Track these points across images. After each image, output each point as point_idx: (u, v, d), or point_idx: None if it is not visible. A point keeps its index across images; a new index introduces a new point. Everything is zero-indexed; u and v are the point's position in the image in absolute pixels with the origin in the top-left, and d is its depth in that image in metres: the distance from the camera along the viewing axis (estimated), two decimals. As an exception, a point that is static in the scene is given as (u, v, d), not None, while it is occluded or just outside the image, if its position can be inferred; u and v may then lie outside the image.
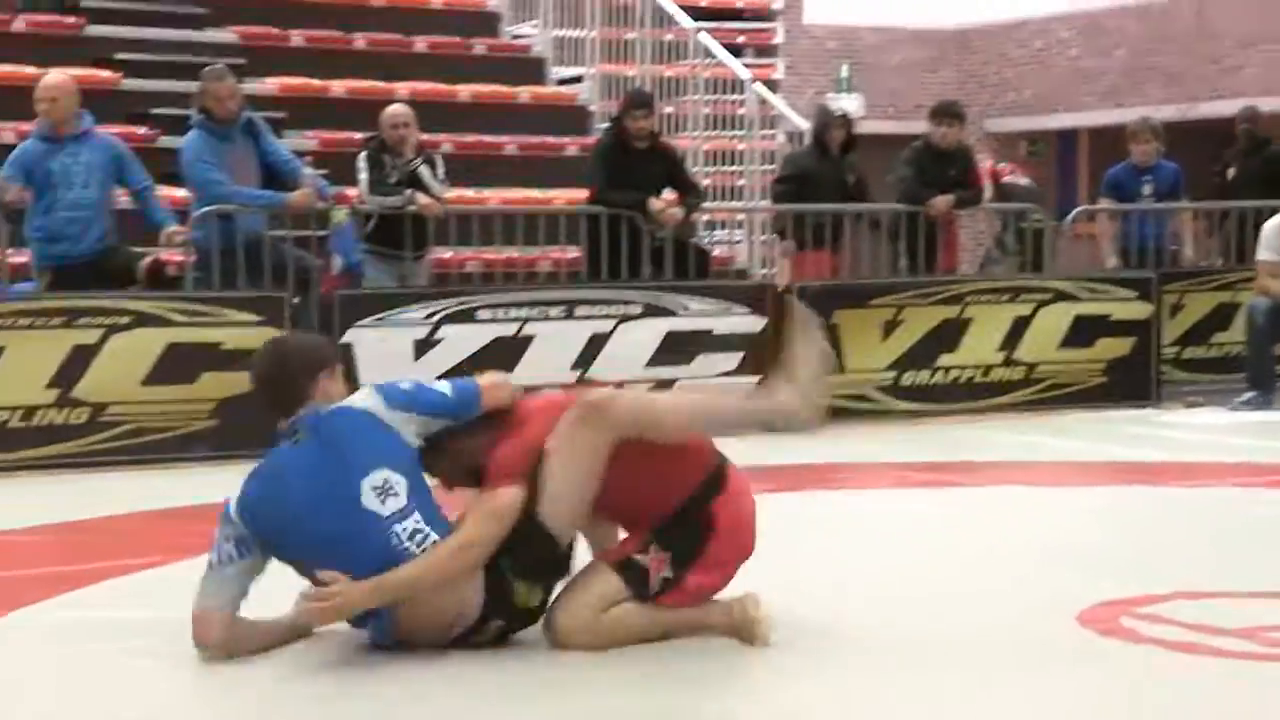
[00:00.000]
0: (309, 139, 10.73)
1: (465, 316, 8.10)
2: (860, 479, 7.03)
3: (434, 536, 3.71)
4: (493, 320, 8.16)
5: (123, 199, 8.34)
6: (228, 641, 3.78)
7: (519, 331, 8.22)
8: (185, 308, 7.48)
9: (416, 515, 3.74)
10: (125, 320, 7.32)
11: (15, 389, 7.13)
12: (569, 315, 8.33)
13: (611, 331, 8.42)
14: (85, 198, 7.94)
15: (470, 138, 11.41)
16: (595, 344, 8.37)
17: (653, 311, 8.52)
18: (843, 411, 8.80)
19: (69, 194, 7.90)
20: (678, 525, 3.85)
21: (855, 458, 7.59)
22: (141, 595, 4.62)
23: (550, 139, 11.80)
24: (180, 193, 8.79)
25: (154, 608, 4.27)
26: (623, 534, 3.98)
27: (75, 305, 7.32)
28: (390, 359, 7.82)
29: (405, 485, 3.74)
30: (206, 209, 8.16)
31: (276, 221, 8.58)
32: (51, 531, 5.77)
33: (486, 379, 3.96)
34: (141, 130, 10.18)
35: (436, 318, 8.02)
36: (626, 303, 8.50)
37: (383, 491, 3.71)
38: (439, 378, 4.23)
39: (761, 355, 8.61)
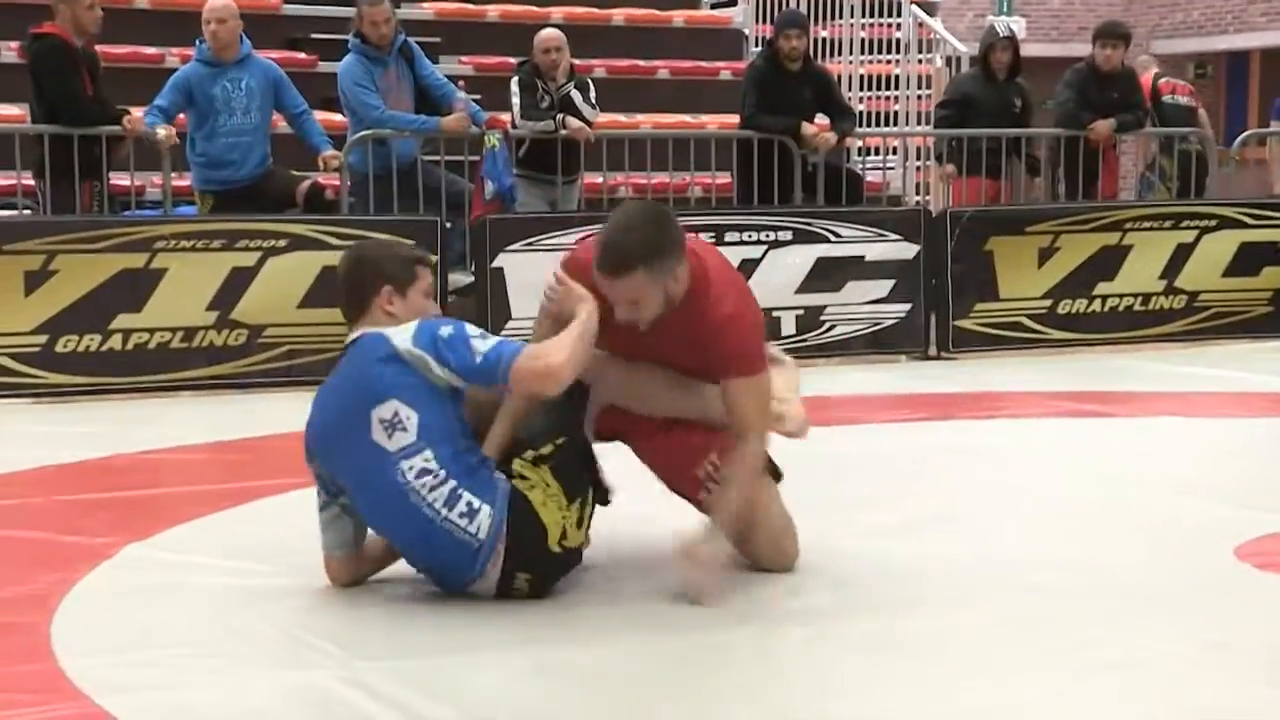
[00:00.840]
0: (463, 64, 10.77)
1: (615, 242, 8.06)
2: (1013, 408, 6.91)
3: (449, 483, 3.53)
4: (642, 246, 8.11)
5: (280, 124, 8.45)
6: (353, 577, 3.79)
7: (668, 257, 8.17)
8: (340, 231, 7.57)
9: (427, 454, 3.53)
10: (282, 243, 7.43)
11: (177, 310, 7.28)
12: (718, 241, 8.25)
13: (761, 258, 8.36)
14: (246, 123, 8.05)
15: (623, 62, 11.36)
16: (744, 270, 8.27)
17: (803, 238, 8.43)
18: (996, 340, 8.69)
19: (230, 120, 8.02)
20: None
21: (1008, 387, 7.47)
22: (295, 513, 4.70)
23: (703, 63, 11.71)
24: (337, 118, 8.89)
25: (305, 527, 4.34)
26: None
27: (235, 228, 7.44)
28: (541, 284, 7.81)
29: (416, 421, 3.53)
30: (362, 134, 8.25)
31: (430, 146, 8.64)
32: (212, 450, 5.91)
33: (541, 353, 3.59)
34: (300, 55, 10.31)
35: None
36: (777, 229, 8.42)
37: (390, 425, 3.54)
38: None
39: (913, 282, 8.52)
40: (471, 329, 3.65)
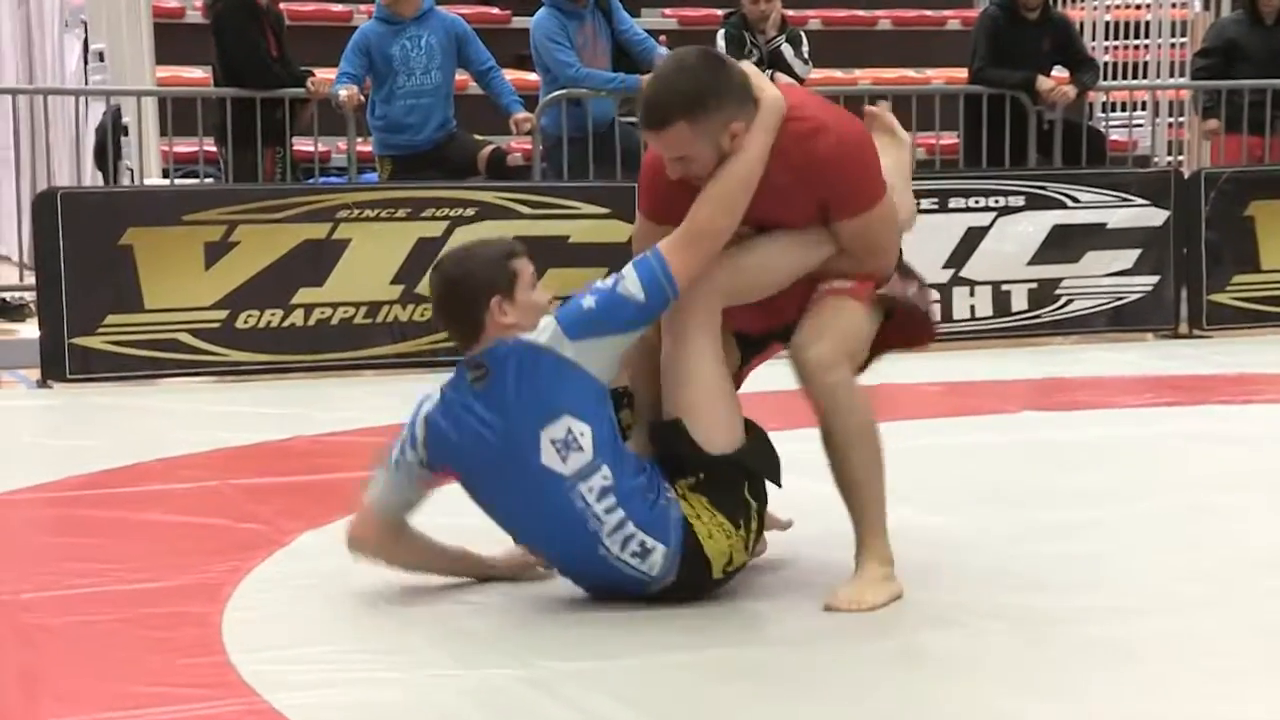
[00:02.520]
0: (667, 16, 10.83)
1: (828, 208, 8.02)
2: (1274, 392, 6.70)
3: (620, 510, 3.46)
4: (857, 213, 8.04)
5: (468, 86, 8.57)
6: (382, 548, 3.72)
7: (886, 225, 8.09)
8: (532, 199, 7.66)
9: (605, 470, 3.47)
10: (470, 212, 7.55)
11: (361, 284, 7.43)
12: (942, 207, 8.16)
13: (989, 226, 8.22)
14: (427, 84, 8.18)
15: (840, 12, 11.31)
16: (971, 239, 8.19)
17: (1037, 203, 8.27)
18: (1257, 316, 8.43)
19: (410, 80, 8.15)
20: None
21: (1269, 369, 7.26)
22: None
23: (929, 12, 11.59)
24: (531, 76, 8.99)
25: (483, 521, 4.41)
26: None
27: (420, 195, 7.57)
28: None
29: (591, 436, 3.46)
30: (555, 93, 8.32)
31: (628, 106, 8.67)
32: (395, 433, 6.02)
33: (671, 244, 3.50)
34: (494, 10, 10.46)
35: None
36: (1008, 193, 8.27)
37: (564, 445, 3.46)
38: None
39: (1162, 252, 8.31)
40: (600, 283, 3.54)
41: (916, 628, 3.53)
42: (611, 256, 7.57)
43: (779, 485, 3.70)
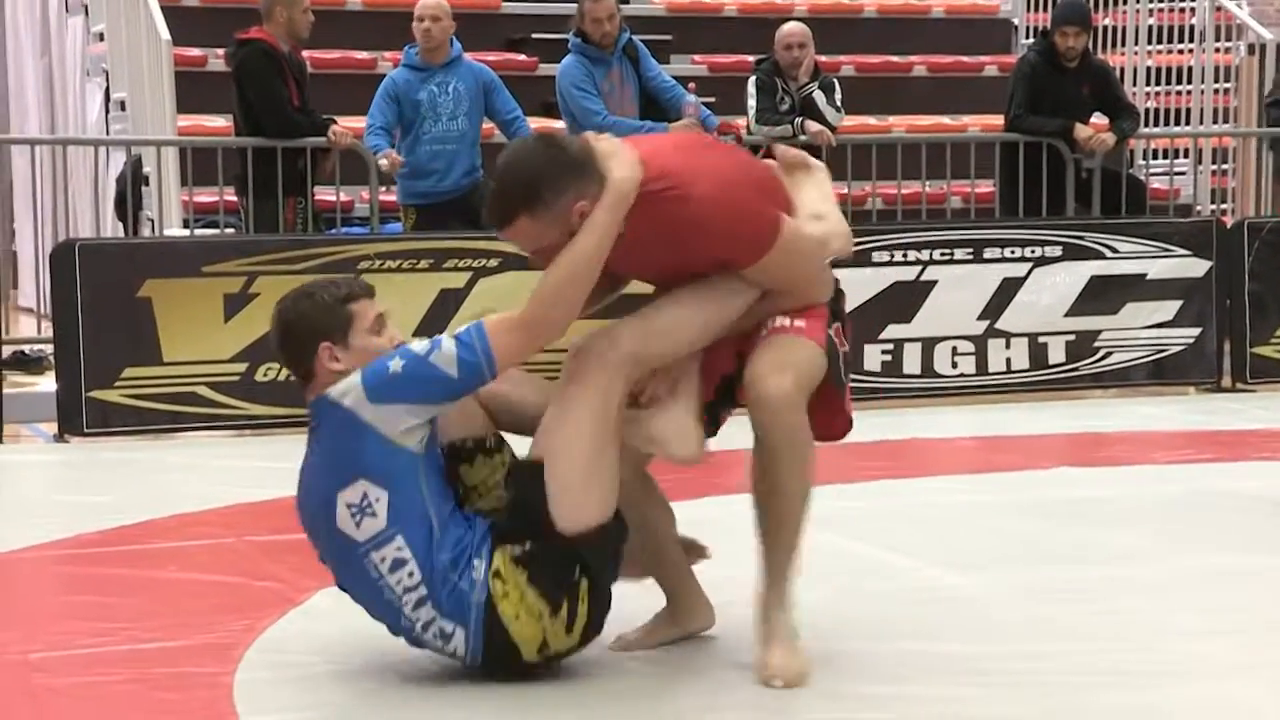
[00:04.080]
0: (696, 63, 10.88)
1: (859, 259, 7.97)
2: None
3: (420, 589, 3.39)
4: (890, 263, 8.08)
5: (493, 135, 8.63)
6: None
7: (919, 276, 8.12)
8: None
9: (399, 541, 3.39)
10: (494, 263, 7.59)
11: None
12: (977, 257, 8.18)
13: (1026, 276, 8.22)
14: (453, 130, 8.25)
15: (874, 58, 11.34)
16: (1006, 290, 8.19)
17: (1075, 253, 8.28)
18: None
19: (436, 126, 8.22)
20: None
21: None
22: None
23: (965, 58, 11.61)
24: (558, 124, 9.04)
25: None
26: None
27: (442, 246, 7.63)
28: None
29: (386, 502, 3.37)
30: (581, 142, 8.37)
31: (655, 155, 8.74)
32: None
33: (498, 323, 3.40)
34: (520, 57, 10.54)
35: (826, 260, 7.98)
36: (1044, 243, 8.28)
37: (359, 510, 3.38)
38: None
39: (1204, 304, 8.30)
40: (418, 344, 3.41)
41: (940, 684, 3.52)
42: (635, 306, 7.62)
43: (609, 585, 3.52)
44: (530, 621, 3.41)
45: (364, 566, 3.43)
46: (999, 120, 9.43)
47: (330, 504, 3.43)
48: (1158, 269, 8.34)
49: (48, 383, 7.80)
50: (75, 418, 7.12)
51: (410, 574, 3.41)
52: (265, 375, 7.32)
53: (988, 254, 8.20)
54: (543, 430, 3.49)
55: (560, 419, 3.46)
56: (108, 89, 10.22)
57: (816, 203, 3.76)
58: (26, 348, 8.65)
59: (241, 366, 7.32)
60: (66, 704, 3.47)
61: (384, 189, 8.63)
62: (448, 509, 3.47)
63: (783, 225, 3.56)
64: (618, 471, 3.50)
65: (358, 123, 8.37)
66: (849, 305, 8.11)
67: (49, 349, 7.97)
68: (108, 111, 10.18)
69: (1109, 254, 8.31)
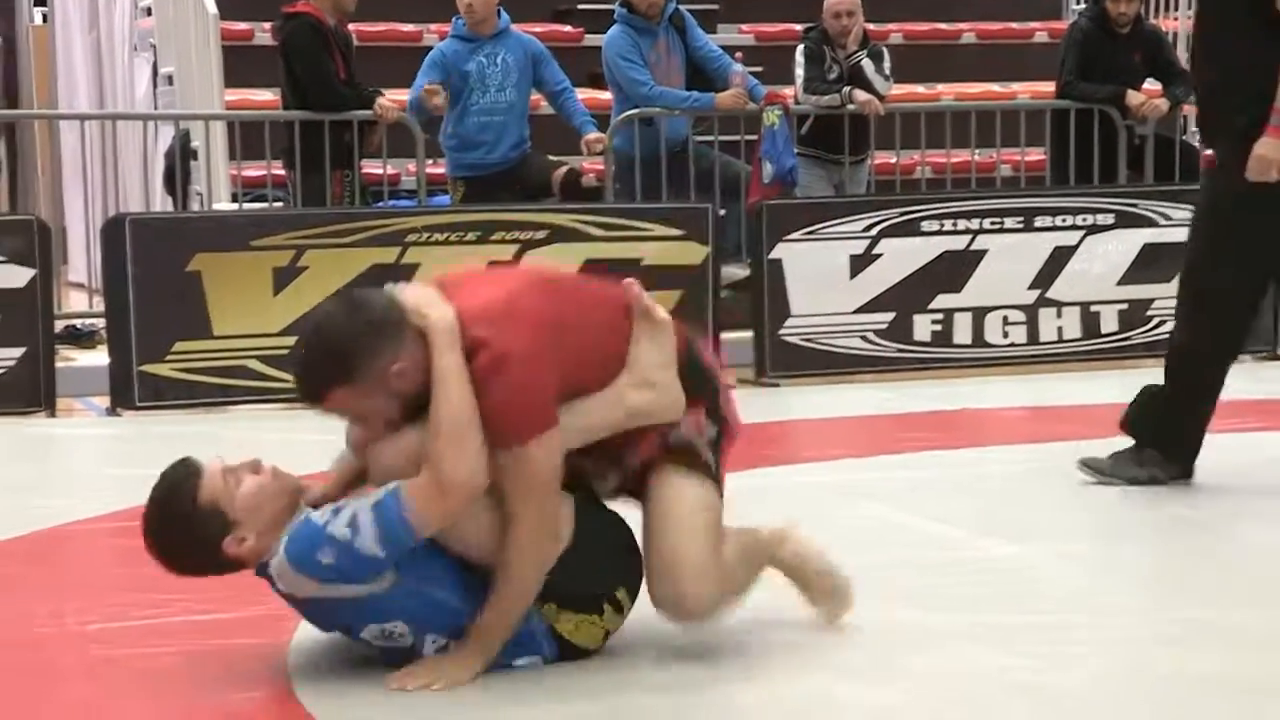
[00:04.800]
0: (743, 33, 10.86)
1: (909, 228, 8.05)
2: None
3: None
4: (939, 232, 8.07)
5: (540, 106, 8.65)
6: None
7: (970, 245, 8.11)
8: (604, 221, 7.72)
9: (434, 638, 3.37)
10: (541, 235, 7.61)
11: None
12: (1028, 226, 8.16)
13: (1077, 245, 8.20)
14: (501, 101, 8.27)
15: (923, 26, 11.30)
16: (1058, 259, 8.17)
17: (1127, 221, 8.24)
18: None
19: (484, 97, 8.25)
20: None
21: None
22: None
23: (1015, 24, 11.56)
24: (605, 95, 9.05)
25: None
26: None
27: (490, 219, 7.65)
28: (823, 277, 7.87)
29: (407, 626, 3.35)
30: (628, 113, 8.39)
31: (703, 125, 8.74)
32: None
33: (413, 491, 3.22)
34: (566, 28, 10.54)
35: (876, 230, 8.01)
36: (1096, 211, 8.25)
37: (386, 637, 3.36)
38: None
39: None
40: (336, 527, 3.22)
41: (992, 654, 3.53)
42: (684, 279, 7.64)
43: (577, 610, 3.44)
44: (587, 628, 3.47)
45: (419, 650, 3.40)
46: (1050, 87, 9.38)
47: (352, 633, 3.41)
48: (1211, 236, 8.28)
49: (100, 357, 7.87)
50: (127, 391, 7.18)
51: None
52: (315, 348, 7.35)
53: (1039, 222, 8.18)
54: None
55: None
56: (155, 64, 10.27)
57: (652, 367, 3.44)
58: (78, 322, 8.73)
59: (291, 339, 7.22)
60: (123, 675, 3.51)
61: (431, 162, 8.66)
62: (461, 581, 3.37)
63: (543, 436, 3.25)
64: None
65: (404, 95, 8.39)
66: (899, 274, 8.18)
67: (100, 323, 8.05)
68: (156, 86, 10.24)
69: (1162, 222, 8.27)
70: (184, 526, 3.31)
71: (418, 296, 3.33)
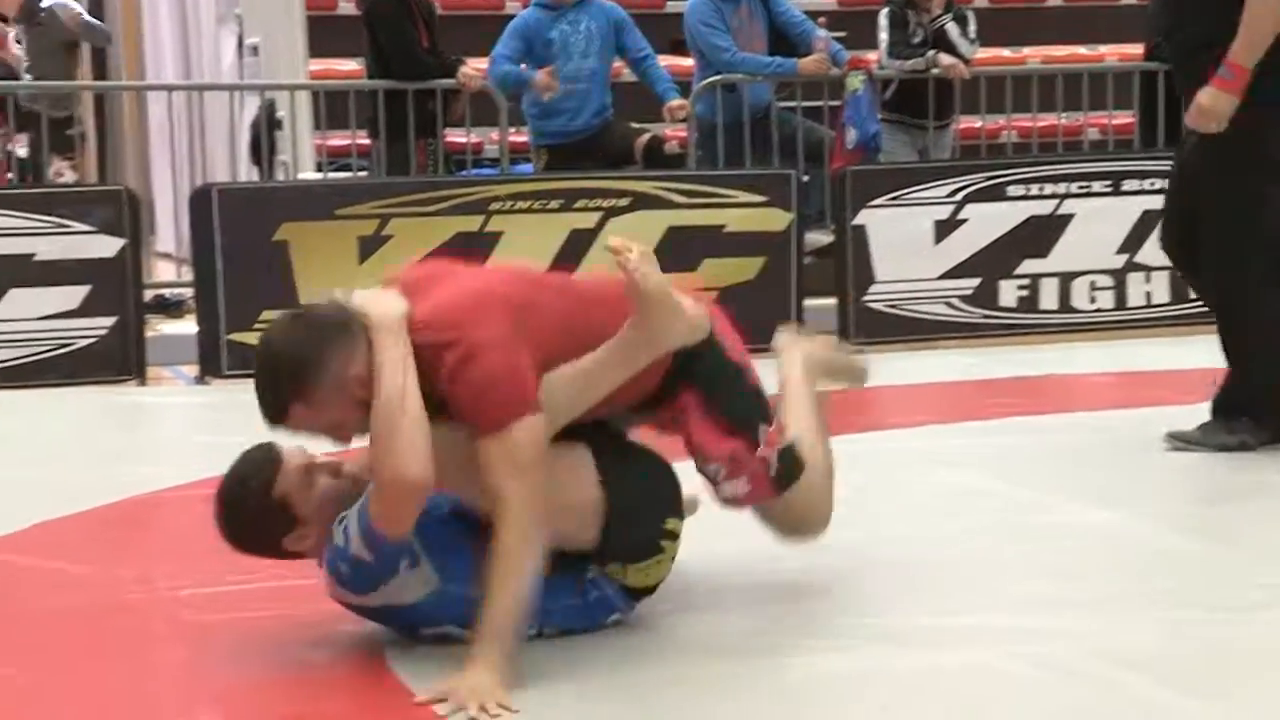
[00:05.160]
0: (827, -3, 10.81)
1: (994, 193, 7.97)
2: None
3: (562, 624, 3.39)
4: (1025, 197, 7.99)
5: (622, 74, 8.64)
6: None
7: (1056, 210, 8.03)
8: (686, 188, 7.70)
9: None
10: (624, 202, 7.60)
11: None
12: (1116, 190, 8.06)
13: (1166, 209, 8.10)
14: (584, 68, 8.27)
15: (1009, -12, 11.20)
16: (1147, 223, 8.02)
17: (1217, 184, 8.12)
18: None
19: (567, 65, 8.24)
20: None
21: None
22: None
23: (1101, -15, 11.43)
24: (686, 62, 9.03)
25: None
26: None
27: (573, 186, 7.65)
28: (908, 243, 7.82)
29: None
30: (710, 79, 8.36)
31: (785, 91, 8.70)
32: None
33: (372, 495, 3.18)
34: (649, -7, 10.54)
35: (961, 195, 7.94)
36: (1185, 175, 8.13)
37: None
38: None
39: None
40: (338, 536, 3.25)
41: (1078, 619, 3.50)
42: (767, 246, 7.62)
43: (641, 559, 3.44)
44: (654, 569, 3.48)
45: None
46: (1138, 49, 9.28)
47: (415, 633, 3.42)
48: (1304, 199, 8.16)
49: (186, 326, 7.95)
50: (215, 360, 7.25)
51: (555, 624, 3.41)
52: (400, 316, 7.39)
53: (1126, 186, 8.08)
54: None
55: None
56: (241, 35, 10.34)
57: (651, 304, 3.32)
58: (167, 292, 8.82)
59: (376, 308, 7.37)
60: (215, 639, 3.55)
61: (514, 130, 8.67)
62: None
63: (524, 420, 3.17)
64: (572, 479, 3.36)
65: (486, 64, 8.40)
66: (985, 239, 8.09)
67: (188, 293, 8.13)
68: (241, 57, 10.31)
69: (1252, 184, 8.14)
70: (251, 514, 3.31)
71: (364, 297, 3.26)
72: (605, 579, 3.44)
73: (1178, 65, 5.13)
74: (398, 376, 3.13)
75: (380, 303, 3.23)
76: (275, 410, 3.22)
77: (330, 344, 3.16)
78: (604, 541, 3.38)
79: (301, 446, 3.35)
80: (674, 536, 3.49)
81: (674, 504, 3.51)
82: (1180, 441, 5.19)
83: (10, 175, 9.02)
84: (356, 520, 3.22)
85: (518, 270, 3.60)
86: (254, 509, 3.30)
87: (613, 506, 3.38)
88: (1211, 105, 4.77)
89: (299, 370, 3.15)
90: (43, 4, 9.42)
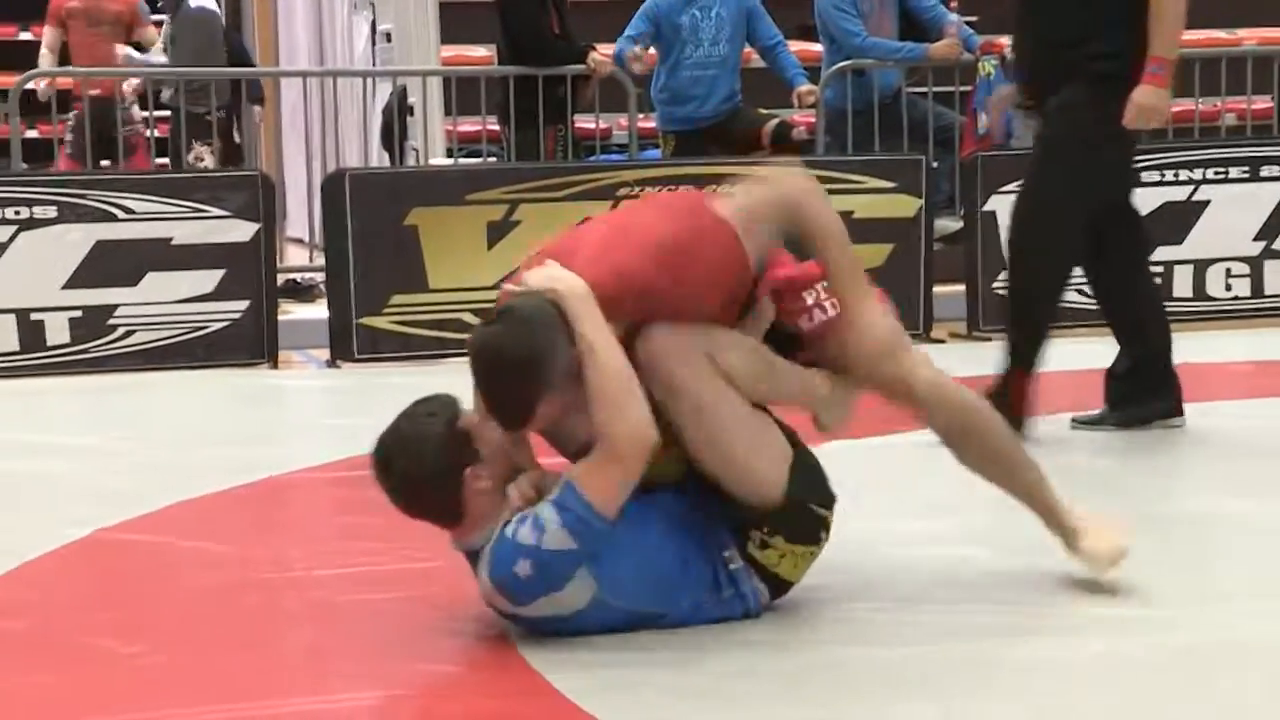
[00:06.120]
0: (958, -19, 10.67)
1: (1129, 179, 7.83)
2: None
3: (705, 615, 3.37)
4: (1160, 183, 7.85)
5: (751, 60, 8.60)
6: None
7: (1191, 196, 7.89)
8: (815, 173, 7.57)
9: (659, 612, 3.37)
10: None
11: (642, 261, 7.52)
12: (1254, 176, 7.91)
13: (1307, 195, 7.93)
14: (714, 54, 8.24)
15: (1146, -29, 10.98)
16: (1285, 211, 7.91)
17: (1360, 172, 7.95)
18: None
19: (697, 51, 8.22)
20: None
21: None
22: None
23: (1241, -32, 11.18)
24: (815, 47, 8.97)
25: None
26: None
27: (701, 172, 7.62)
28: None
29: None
30: (840, 64, 8.30)
31: (915, 76, 8.61)
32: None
33: (584, 472, 3.21)
34: (777, -20, 10.46)
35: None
36: (1326, 160, 7.97)
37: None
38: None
39: None
40: (523, 535, 3.19)
41: (1223, 612, 3.43)
42: (896, 232, 7.54)
43: (832, 501, 3.46)
44: (796, 561, 3.44)
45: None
46: (1278, 33, 9.07)
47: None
48: None
49: (317, 310, 8.03)
50: (346, 343, 7.32)
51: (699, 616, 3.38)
52: (528, 302, 7.42)
53: (1264, 172, 7.93)
54: (683, 429, 3.32)
55: (694, 413, 3.30)
56: (374, 21, 10.43)
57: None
58: (298, 276, 8.92)
59: (504, 293, 7.41)
60: (346, 619, 3.58)
61: (642, 116, 8.66)
62: (652, 579, 3.32)
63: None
64: (773, 428, 3.41)
65: (615, 44, 8.39)
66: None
67: (319, 277, 8.21)
68: (374, 43, 10.40)
69: (1395, 170, 7.96)
70: (437, 442, 3.22)
71: (539, 276, 3.26)
72: (746, 572, 3.40)
73: (1041, 62, 5.14)
74: (611, 344, 3.20)
75: (560, 279, 3.23)
76: (523, 412, 3.23)
77: (551, 331, 3.18)
78: (781, 509, 3.35)
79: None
80: (828, 530, 3.46)
81: (831, 498, 3.47)
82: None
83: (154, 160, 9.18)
84: (556, 511, 3.18)
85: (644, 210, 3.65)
86: (441, 436, 3.22)
87: (796, 470, 3.38)
88: (1154, 103, 4.93)
89: (536, 368, 3.18)
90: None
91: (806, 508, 3.40)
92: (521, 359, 3.17)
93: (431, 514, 3.35)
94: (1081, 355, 6.63)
